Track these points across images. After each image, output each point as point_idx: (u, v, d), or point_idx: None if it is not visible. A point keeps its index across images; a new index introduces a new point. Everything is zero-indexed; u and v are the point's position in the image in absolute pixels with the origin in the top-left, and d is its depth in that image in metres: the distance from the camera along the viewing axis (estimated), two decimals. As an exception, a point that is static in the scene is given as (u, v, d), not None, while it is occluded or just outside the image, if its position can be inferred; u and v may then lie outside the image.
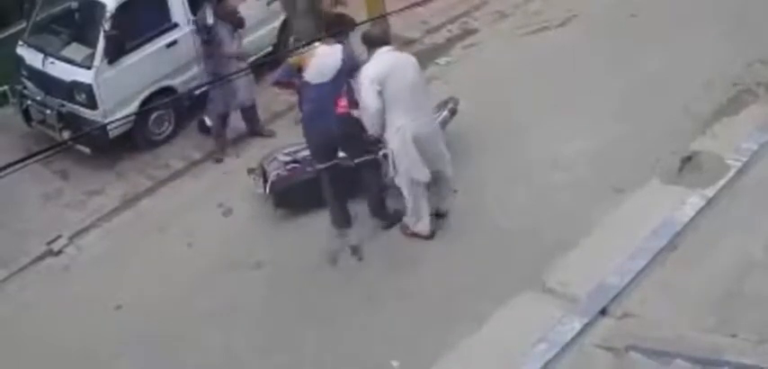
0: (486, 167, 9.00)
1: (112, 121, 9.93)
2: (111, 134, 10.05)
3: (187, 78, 10.56)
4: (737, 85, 9.55)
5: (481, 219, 8.38)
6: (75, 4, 10.50)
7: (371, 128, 7.96)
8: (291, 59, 8.57)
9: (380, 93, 7.73)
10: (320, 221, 8.57)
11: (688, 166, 8.18)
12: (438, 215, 8.37)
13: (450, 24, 12.44)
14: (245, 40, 10.53)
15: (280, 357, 7.34)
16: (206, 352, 7.55)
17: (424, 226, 8.23)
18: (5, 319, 8.46)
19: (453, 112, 9.10)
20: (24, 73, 10.64)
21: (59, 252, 9.21)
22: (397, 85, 7.77)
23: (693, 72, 9.80)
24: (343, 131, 8.00)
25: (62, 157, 10.29)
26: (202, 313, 7.94)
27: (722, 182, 5.78)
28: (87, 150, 10.15)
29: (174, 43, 10.45)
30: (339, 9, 11.17)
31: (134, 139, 10.45)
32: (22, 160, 4.68)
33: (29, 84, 10.60)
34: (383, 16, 10.01)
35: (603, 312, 4.83)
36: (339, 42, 8.24)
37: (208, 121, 10.50)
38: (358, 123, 8.06)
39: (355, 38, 8.60)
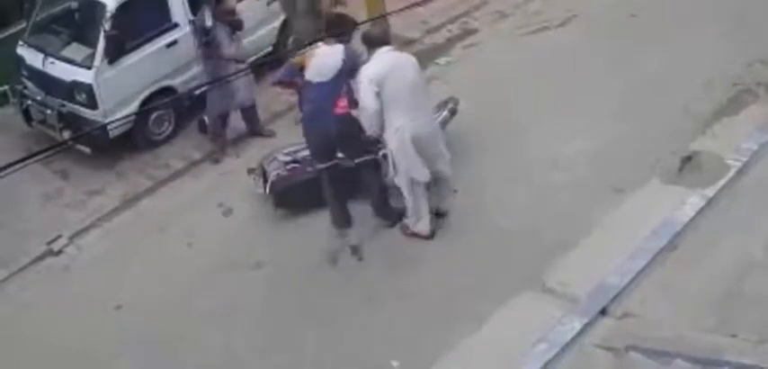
0: (486, 167, 9.00)
1: (112, 121, 9.93)
2: (112, 134, 10.06)
3: (187, 78, 10.55)
4: (737, 85, 9.54)
5: (481, 219, 8.37)
6: (75, 4, 10.51)
7: (369, 128, 7.95)
8: (294, 59, 8.58)
9: (378, 93, 7.72)
10: (320, 221, 8.56)
11: (688, 166, 8.17)
12: (438, 215, 8.37)
13: (450, 24, 12.43)
14: (245, 41, 10.52)
15: (280, 357, 7.33)
16: (206, 352, 7.55)
17: (424, 226, 8.22)
18: (5, 319, 8.46)
19: (453, 112, 9.10)
20: (24, 73, 10.64)
21: (59, 252, 9.21)
22: (396, 86, 7.76)
23: (693, 72, 9.79)
24: (342, 131, 7.98)
25: (62, 156, 10.28)
26: (202, 313, 7.94)
27: (722, 182, 5.79)
28: (87, 150, 10.16)
29: (174, 43, 10.45)
30: (339, 9, 11.15)
31: (134, 139, 10.45)
32: (22, 160, 4.69)
33: (29, 84, 10.61)
34: (383, 16, 9.99)
35: (603, 312, 4.83)
36: (342, 42, 8.23)
37: (208, 121, 10.51)
38: (357, 123, 8.05)
39: (355, 38, 8.59)
